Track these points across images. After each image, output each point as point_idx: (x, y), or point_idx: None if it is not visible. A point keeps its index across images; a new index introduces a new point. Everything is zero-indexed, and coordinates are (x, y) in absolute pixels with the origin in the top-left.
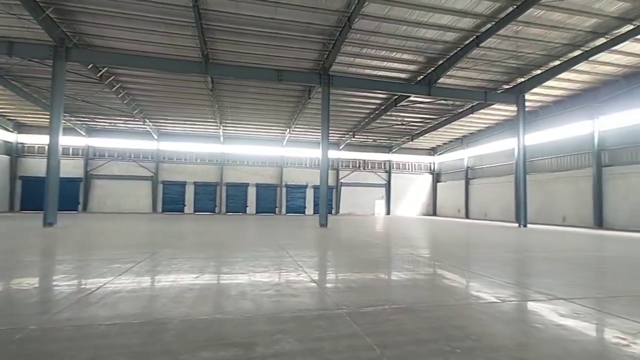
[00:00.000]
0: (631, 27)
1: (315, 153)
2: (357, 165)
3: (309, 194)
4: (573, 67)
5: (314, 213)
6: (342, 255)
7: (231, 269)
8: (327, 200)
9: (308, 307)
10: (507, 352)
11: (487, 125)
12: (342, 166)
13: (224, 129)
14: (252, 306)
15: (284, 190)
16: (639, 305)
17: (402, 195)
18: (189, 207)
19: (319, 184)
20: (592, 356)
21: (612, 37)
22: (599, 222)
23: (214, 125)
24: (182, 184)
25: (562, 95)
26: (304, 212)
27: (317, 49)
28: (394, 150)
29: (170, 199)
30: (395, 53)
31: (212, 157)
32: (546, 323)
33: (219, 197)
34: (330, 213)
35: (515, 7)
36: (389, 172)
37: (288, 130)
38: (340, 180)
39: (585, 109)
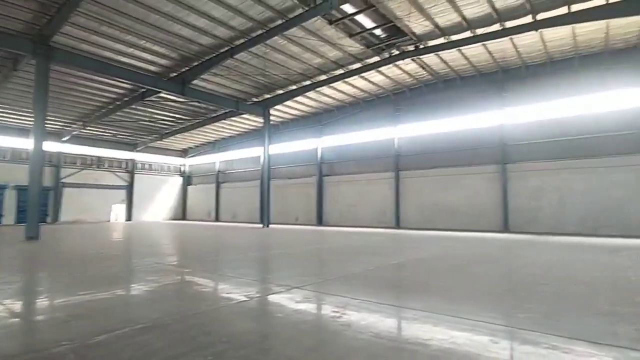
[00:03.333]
0: (342, 71)
1: (23, 143)
2: (89, 162)
3: (10, 197)
4: (305, 94)
5: (18, 222)
6: (64, 275)
7: None
8: (41, 205)
9: (4, 353)
10: (255, 345)
11: (238, 133)
12: (65, 162)
13: None
14: None
15: None
16: (343, 284)
17: (147, 199)
18: None
19: (26, 184)
20: (319, 328)
21: (330, 76)
22: (320, 221)
23: None
24: None
25: (298, 115)
26: None
27: (31, 9)
28: (139, 149)
29: None
30: (145, 42)
31: None
32: (285, 311)
33: None
34: (45, 222)
35: (264, 31)
36: (132, 173)
37: None
38: (63, 180)
39: (313, 129)
